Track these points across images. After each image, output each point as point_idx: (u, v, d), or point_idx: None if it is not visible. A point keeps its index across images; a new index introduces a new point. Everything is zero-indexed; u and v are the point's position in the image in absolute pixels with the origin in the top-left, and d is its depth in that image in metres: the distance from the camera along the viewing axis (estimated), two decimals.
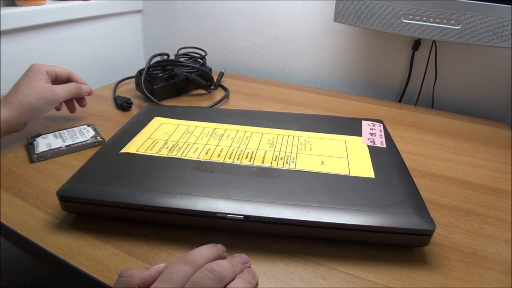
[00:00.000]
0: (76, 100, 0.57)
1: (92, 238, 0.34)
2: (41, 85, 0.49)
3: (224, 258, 0.31)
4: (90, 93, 0.56)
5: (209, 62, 0.79)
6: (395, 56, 0.75)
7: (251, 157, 0.42)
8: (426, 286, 0.31)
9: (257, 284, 0.30)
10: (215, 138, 0.46)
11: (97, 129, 0.54)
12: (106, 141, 0.51)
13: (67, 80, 0.54)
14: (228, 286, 0.27)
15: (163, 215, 0.34)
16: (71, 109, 0.57)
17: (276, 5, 0.81)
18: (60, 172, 0.45)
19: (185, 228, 0.35)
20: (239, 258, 0.31)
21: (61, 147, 0.49)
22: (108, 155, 0.42)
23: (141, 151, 0.42)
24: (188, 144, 0.44)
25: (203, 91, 0.74)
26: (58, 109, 0.57)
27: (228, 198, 0.34)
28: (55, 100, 0.50)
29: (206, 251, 0.30)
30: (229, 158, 0.41)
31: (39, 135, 0.51)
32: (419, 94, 0.75)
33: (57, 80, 0.53)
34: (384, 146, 0.45)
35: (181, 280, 0.26)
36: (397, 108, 0.69)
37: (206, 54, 0.78)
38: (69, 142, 0.50)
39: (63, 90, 0.51)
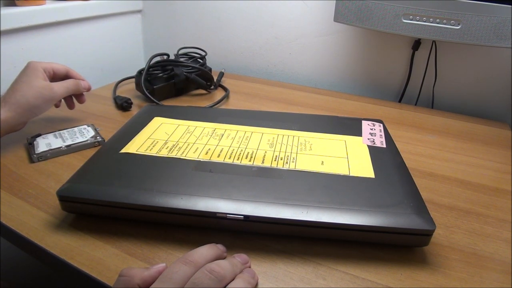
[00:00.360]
0: (75, 97, 0.56)
1: (92, 238, 0.34)
2: (39, 84, 0.48)
3: (224, 258, 0.31)
4: (88, 89, 0.55)
5: (209, 62, 0.79)
6: (395, 56, 0.75)
7: (251, 157, 0.42)
8: (426, 286, 0.31)
9: (257, 284, 0.30)
10: (215, 138, 0.46)
11: (97, 129, 0.54)
12: (106, 141, 0.51)
13: (65, 76, 0.54)
14: (228, 286, 0.27)
15: (163, 215, 0.34)
16: (70, 106, 0.57)
17: (276, 5, 0.81)
18: (60, 172, 0.45)
19: (185, 228, 0.35)
20: (239, 258, 0.31)
21: (61, 147, 0.49)
22: (108, 155, 0.42)
23: (141, 151, 0.42)
24: (188, 144, 0.44)
25: (203, 91, 0.74)
26: (57, 106, 0.56)
27: (228, 198, 0.34)
28: (53, 98, 0.50)
29: (206, 251, 0.30)
30: (229, 158, 0.41)
31: (39, 135, 0.51)
32: (419, 94, 0.75)
33: (55, 77, 0.53)
34: (384, 146, 0.45)
35: (181, 280, 0.26)
36: (397, 108, 0.69)
37: (206, 54, 0.78)
38: (69, 142, 0.50)
39: (61, 88, 0.51)
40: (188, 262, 0.27)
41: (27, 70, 0.49)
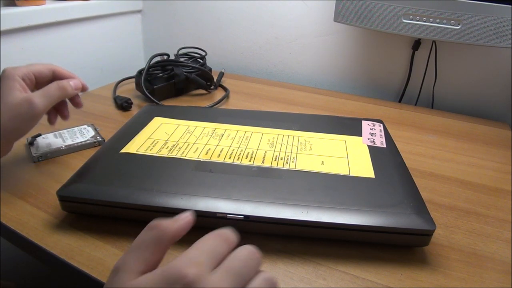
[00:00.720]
0: (69, 100, 0.46)
1: (92, 238, 0.34)
2: (13, 99, 0.38)
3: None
4: (83, 89, 0.45)
5: (209, 62, 0.79)
6: (395, 56, 0.75)
7: (251, 157, 0.42)
8: (426, 286, 0.31)
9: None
10: (215, 138, 0.46)
11: (97, 129, 0.54)
12: (106, 141, 0.51)
13: (53, 78, 0.44)
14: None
15: (163, 215, 0.34)
16: (51, 120, 0.46)
17: (276, 5, 0.81)
18: (60, 172, 0.45)
19: None
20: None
21: (61, 147, 0.49)
22: (108, 155, 0.42)
23: (141, 151, 0.42)
24: (188, 144, 0.44)
25: (203, 91, 0.74)
26: (51, 122, 0.45)
27: (228, 198, 0.34)
28: (34, 114, 0.38)
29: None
30: (229, 158, 0.41)
31: (39, 135, 0.51)
32: (419, 94, 0.75)
33: (40, 82, 0.43)
34: (384, 146, 0.45)
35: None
36: (397, 108, 0.69)
37: (206, 54, 0.78)
38: (69, 142, 0.50)
39: (42, 98, 0.39)
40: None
41: (1, 82, 0.39)
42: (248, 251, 0.23)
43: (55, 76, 0.44)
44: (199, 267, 0.21)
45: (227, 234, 0.25)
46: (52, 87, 0.41)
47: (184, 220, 0.24)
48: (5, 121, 0.37)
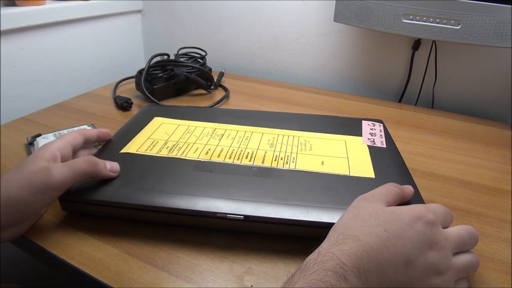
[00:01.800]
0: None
1: (92, 238, 0.34)
2: (33, 167, 0.33)
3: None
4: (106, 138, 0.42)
5: (209, 62, 0.79)
6: (395, 56, 0.75)
7: (251, 157, 0.42)
8: None
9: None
10: (215, 138, 0.46)
11: None
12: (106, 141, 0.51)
13: (84, 142, 0.41)
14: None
15: (163, 215, 0.34)
16: None
17: (276, 5, 0.81)
18: None
19: (185, 228, 0.35)
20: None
21: None
22: (108, 155, 0.42)
23: (141, 151, 0.42)
24: (188, 144, 0.44)
25: (203, 91, 0.74)
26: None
27: (228, 198, 0.34)
28: (49, 185, 0.32)
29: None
30: (229, 158, 0.41)
31: (39, 135, 0.51)
32: (419, 94, 0.75)
33: (76, 154, 0.40)
34: (384, 146, 0.45)
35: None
36: (397, 108, 0.69)
37: (206, 54, 0.78)
38: None
39: (64, 168, 0.33)
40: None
41: (32, 153, 0.36)
42: (473, 230, 0.29)
43: (85, 139, 0.41)
44: (436, 216, 0.28)
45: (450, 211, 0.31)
46: (81, 160, 0.35)
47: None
48: (13, 189, 0.31)
